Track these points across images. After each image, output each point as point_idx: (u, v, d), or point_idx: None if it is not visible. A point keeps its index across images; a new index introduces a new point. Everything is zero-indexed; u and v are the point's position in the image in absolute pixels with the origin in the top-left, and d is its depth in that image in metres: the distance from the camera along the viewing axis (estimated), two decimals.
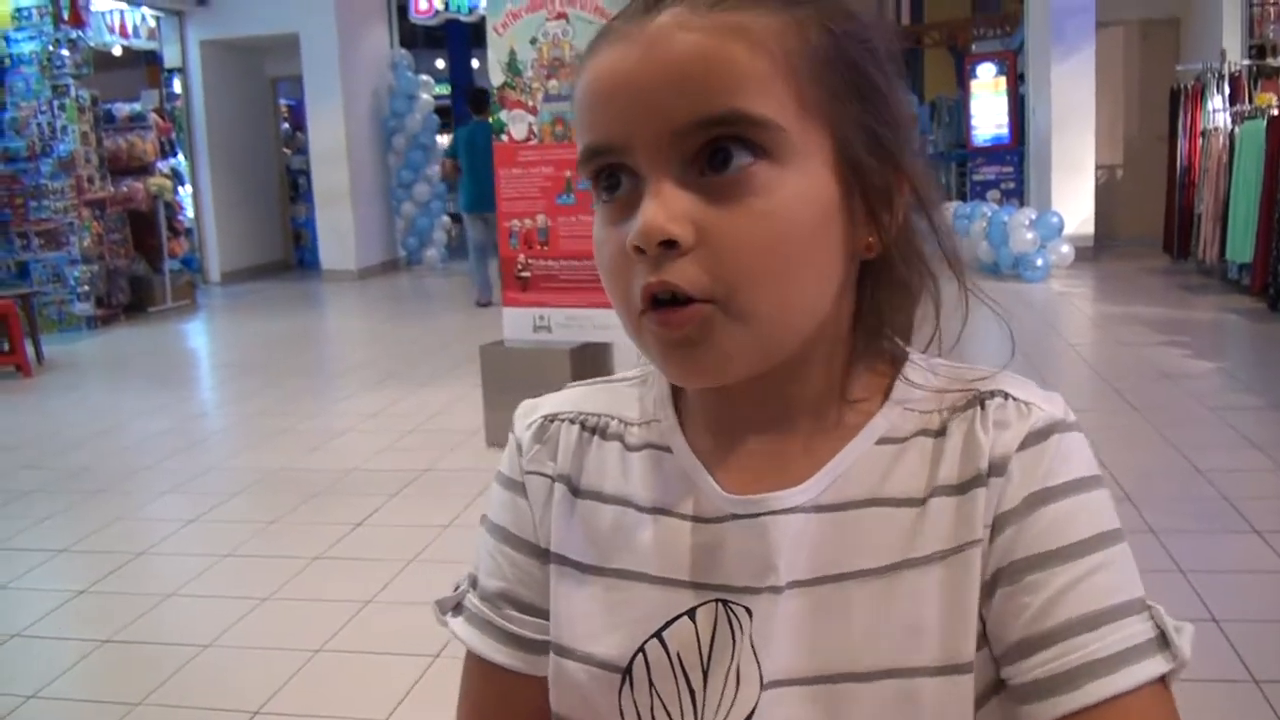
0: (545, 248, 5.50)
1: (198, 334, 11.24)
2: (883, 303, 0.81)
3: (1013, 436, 0.76)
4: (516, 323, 5.66)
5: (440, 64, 24.42)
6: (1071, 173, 12.18)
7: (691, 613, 0.80)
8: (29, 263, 10.99)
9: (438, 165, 14.75)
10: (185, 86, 14.11)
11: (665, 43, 0.70)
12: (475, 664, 0.92)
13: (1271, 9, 11.19)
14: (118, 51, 12.99)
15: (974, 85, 13.94)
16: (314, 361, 9.20)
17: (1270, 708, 2.88)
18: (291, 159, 15.79)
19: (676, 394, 0.87)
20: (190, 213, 13.83)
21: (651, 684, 0.81)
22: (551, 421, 0.91)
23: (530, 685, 0.89)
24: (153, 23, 13.65)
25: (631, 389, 0.91)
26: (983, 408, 0.78)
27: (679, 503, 0.83)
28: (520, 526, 0.90)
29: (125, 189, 11.59)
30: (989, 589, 0.75)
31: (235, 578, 4.21)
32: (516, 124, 5.41)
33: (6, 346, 8.89)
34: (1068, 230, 11.18)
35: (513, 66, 5.34)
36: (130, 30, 13.19)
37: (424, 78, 14.91)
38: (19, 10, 10.95)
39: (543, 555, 0.89)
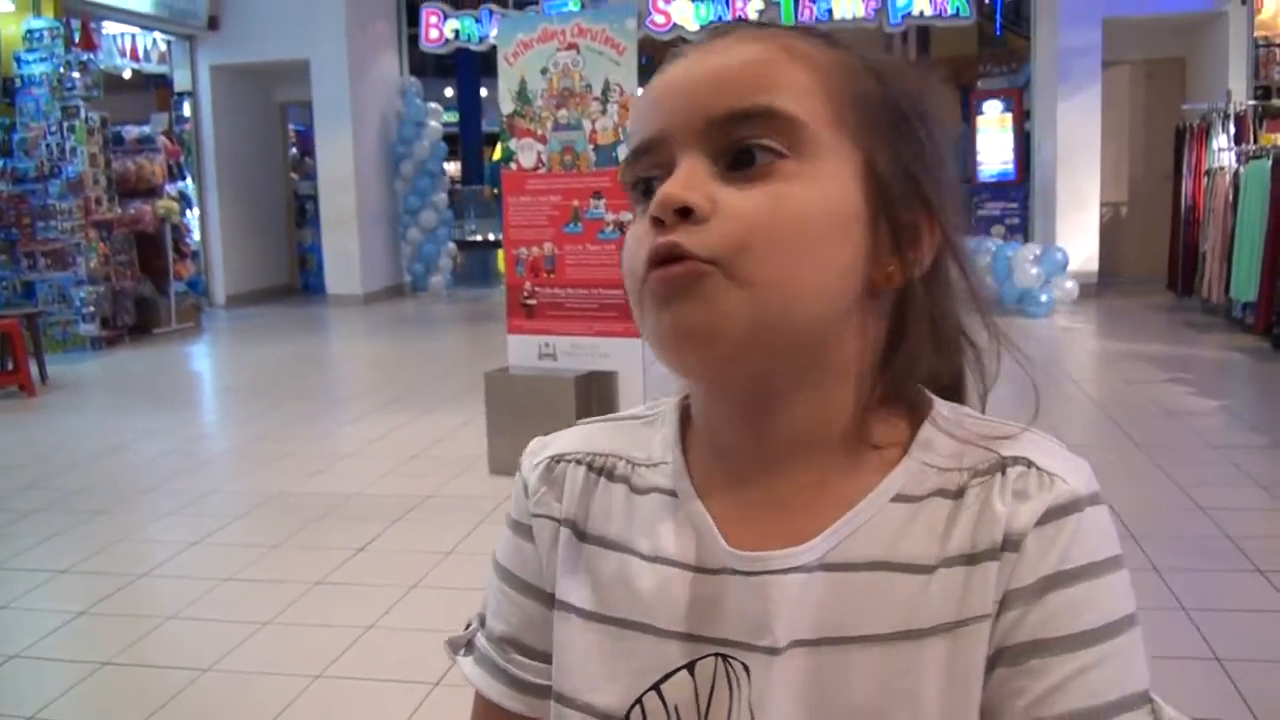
0: (552, 275, 5.52)
1: (202, 356, 11.25)
2: (912, 343, 0.81)
3: (1031, 511, 0.74)
4: (522, 350, 5.67)
5: (449, 92, 24.57)
6: (1076, 209, 12.22)
7: (691, 666, 0.79)
8: (35, 282, 11.01)
9: (444, 192, 14.82)
10: (195, 110, 14.17)
11: (719, 52, 0.76)
12: (483, 704, 0.93)
13: (1277, 51, 11.26)
14: (127, 75, 13.06)
15: (980, 121, 13.99)
16: (318, 386, 9.20)
17: None
18: (299, 184, 15.85)
19: (684, 434, 0.87)
20: (197, 235, 13.87)
21: None
22: (559, 462, 0.90)
23: None
24: (164, 47, 13.73)
25: (641, 428, 0.90)
26: (1004, 474, 0.76)
27: (682, 551, 0.82)
28: (525, 571, 0.90)
29: (133, 211, 11.63)
30: (989, 664, 0.73)
31: (236, 601, 4.20)
32: (525, 152, 5.44)
33: (11, 366, 8.90)
34: (1072, 266, 11.21)
35: (523, 95, 5.37)
36: (141, 54, 13.27)
37: (433, 105, 14.98)
38: (30, 32, 11.02)
39: (547, 600, 0.88)
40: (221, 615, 4.07)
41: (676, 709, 0.79)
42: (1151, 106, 12.98)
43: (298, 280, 15.89)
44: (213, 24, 13.73)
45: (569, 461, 0.90)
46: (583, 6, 10.96)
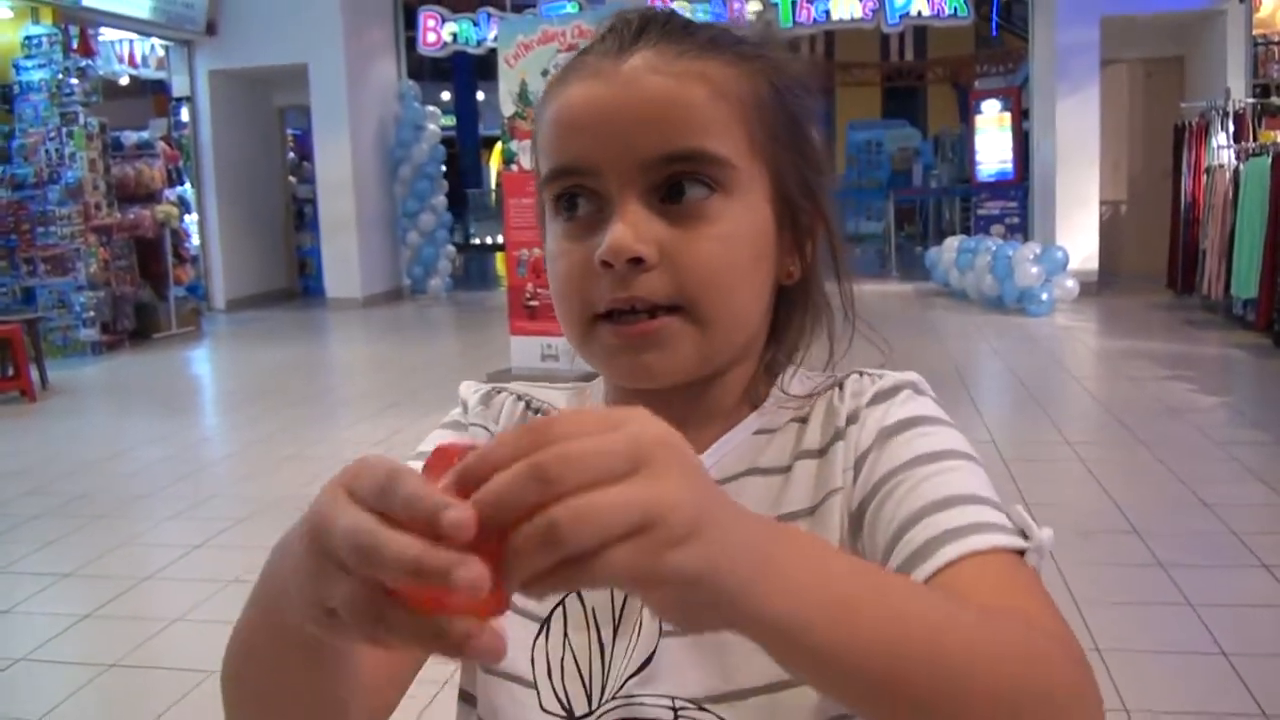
0: None
1: (202, 361, 11.25)
2: (793, 324, 0.92)
3: (865, 396, 0.87)
4: (524, 351, 5.68)
5: (446, 95, 24.56)
6: (1076, 208, 12.23)
7: None
8: (35, 288, 11.02)
9: (443, 195, 14.81)
10: (193, 115, 14.17)
11: (638, 84, 0.80)
12: None
13: (1276, 49, 11.28)
14: (125, 81, 13.07)
15: (978, 121, 14.03)
16: (318, 389, 9.20)
17: None
18: (298, 188, 15.85)
19: (608, 396, 0.95)
20: (196, 240, 13.87)
21: (566, 635, 0.88)
22: (497, 393, 1.00)
23: None
24: (161, 52, 13.74)
25: (566, 395, 1.00)
26: (841, 387, 0.90)
27: None
28: None
29: (132, 216, 11.63)
30: (857, 520, 0.83)
31: (240, 604, 4.18)
32: (527, 154, 5.44)
33: (11, 372, 8.90)
34: (1072, 265, 11.20)
35: (524, 97, 5.38)
36: (139, 60, 13.28)
37: (431, 109, 14.98)
38: (29, 39, 11.03)
39: None
40: (226, 617, 4.01)
41: (594, 609, 0.87)
42: (1150, 105, 12.99)
43: (297, 284, 15.89)
44: (210, 29, 13.72)
45: (507, 394, 1.00)
46: (580, 8, 10.96)
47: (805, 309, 0.92)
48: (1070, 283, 11.06)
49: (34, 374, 9.01)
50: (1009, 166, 13.82)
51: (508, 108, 5.47)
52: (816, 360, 0.95)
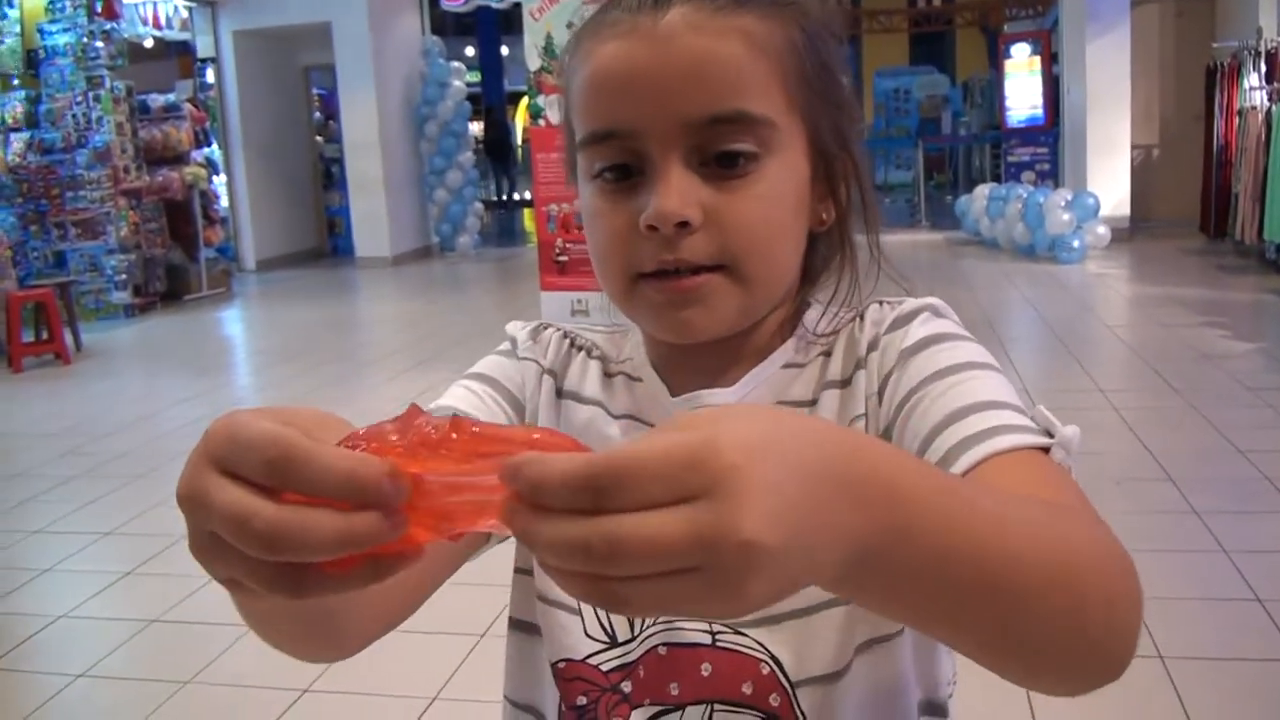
0: (583, 231, 5.52)
1: (234, 321, 11.32)
2: (819, 266, 0.94)
3: (885, 324, 0.89)
4: (555, 306, 5.69)
5: (470, 51, 24.48)
6: (1107, 153, 12.10)
7: None
8: (66, 252, 11.10)
9: (470, 152, 14.79)
10: (218, 76, 14.18)
11: (677, 43, 0.79)
12: None
13: None
14: (149, 43, 13.06)
15: (1008, 65, 13.86)
16: (350, 348, 9.24)
17: None
18: (324, 147, 15.85)
19: (648, 345, 0.97)
20: (225, 201, 13.91)
21: None
22: (544, 329, 1.02)
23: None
24: (185, 13, 13.71)
25: (609, 335, 1.01)
26: (861, 317, 0.91)
27: (643, 413, 0.94)
28: (512, 383, 0.98)
29: (161, 178, 11.67)
30: (886, 440, 0.83)
31: None
32: (554, 108, 5.42)
33: (45, 335, 9.00)
34: (1104, 211, 11.11)
35: (549, 51, 5.35)
36: (163, 21, 13.26)
37: (455, 65, 14.92)
38: (53, 2, 11.04)
39: (521, 410, 0.97)
40: None
41: None
42: (1182, 46, 12.79)
43: (326, 243, 15.92)
44: None
45: (553, 330, 1.02)
46: None
47: (836, 252, 0.93)
48: (1102, 229, 10.97)
49: (68, 337, 9.11)
50: (1039, 112, 13.66)
51: (533, 62, 5.45)
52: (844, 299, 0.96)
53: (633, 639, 0.89)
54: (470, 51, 24.67)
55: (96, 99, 10.99)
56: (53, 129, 11.10)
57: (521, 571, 0.96)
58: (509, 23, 23.41)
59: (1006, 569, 0.57)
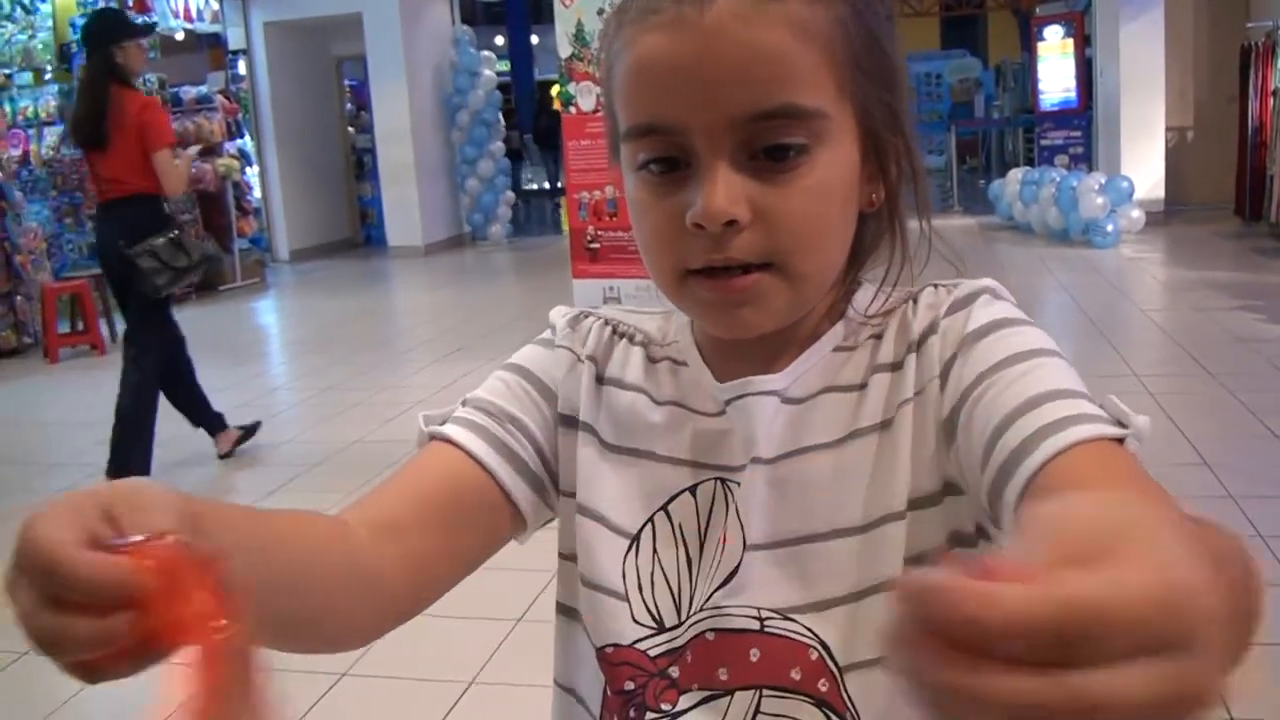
0: (614, 219, 5.53)
1: (268, 311, 11.40)
2: (869, 245, 0.92)
3: (943, 308, 0.87)
4: (587, 294, 5.70)
5: (499, 40, 24.49)
6: (1141, 136, 12.00)
7: (693, 489, 0.91)
8: None
9: (501, 140, 14.80)
10: (250, 68, 14.25)
11: (724, 37, 0.76)
12: (445, 450, 0.93)
13: None
14: (180, 36, 13.14)
15: (1041, 48, 13.75)
16: (384, 336, 9.30)
17: None
18: (356, 138, 15.92)
19: (694, 324, 0.97)
20: (258, 192, 13.98)
21: (655, 551, 0.91)
22: (585, 317, 1.02)
23: (495, 499, 0.92)
24: (216, 5, 13.78)
25: (653, 319, 1.01)
26: (915, 300, 0.90)
27: (688, 399, 0.94)
28: (545, 373, 0.98)
29: (194, 170, 11.72)
30: (949, 428, 0.82)
31: None
32: (584, 96, 5.43)
33: (81, 326, 9.10)
34: (1138, 195, 11.01)
35: (580, 38, 5.36)
36: (194, 14, 13.33)
37: (486, 54, 14.94)
38: None
39: (559, 416, 0.97)
40: None
41: (681, 526, 0.91)
42: (1216, 26, 12.65)
43: (359, 234, 15.99)
44: None
45: (594, 319, 1.02)
46: None
47: (885, 233, 0.92)
48: (1136, 213, 10.88)
49: (104, 328, 9.20)
50: (1072, 95, 13.54)
51: (564, 49, 5.46)
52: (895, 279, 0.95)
53: (680, 625, 0.89)
54: (500, 40, 24.70)
55: None
56: None
57: (565, 557, 0.97)
58: (538, 11, 23.44)
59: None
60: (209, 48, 14.47)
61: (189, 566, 0.52)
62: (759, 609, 0.87)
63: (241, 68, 14.27)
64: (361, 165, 15.83)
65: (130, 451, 5.14)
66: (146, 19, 11.23)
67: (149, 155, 4.91)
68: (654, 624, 0.90)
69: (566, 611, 0.98)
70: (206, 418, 5.57)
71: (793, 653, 0.86)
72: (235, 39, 14.23)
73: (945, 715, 0.39)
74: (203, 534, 0.57)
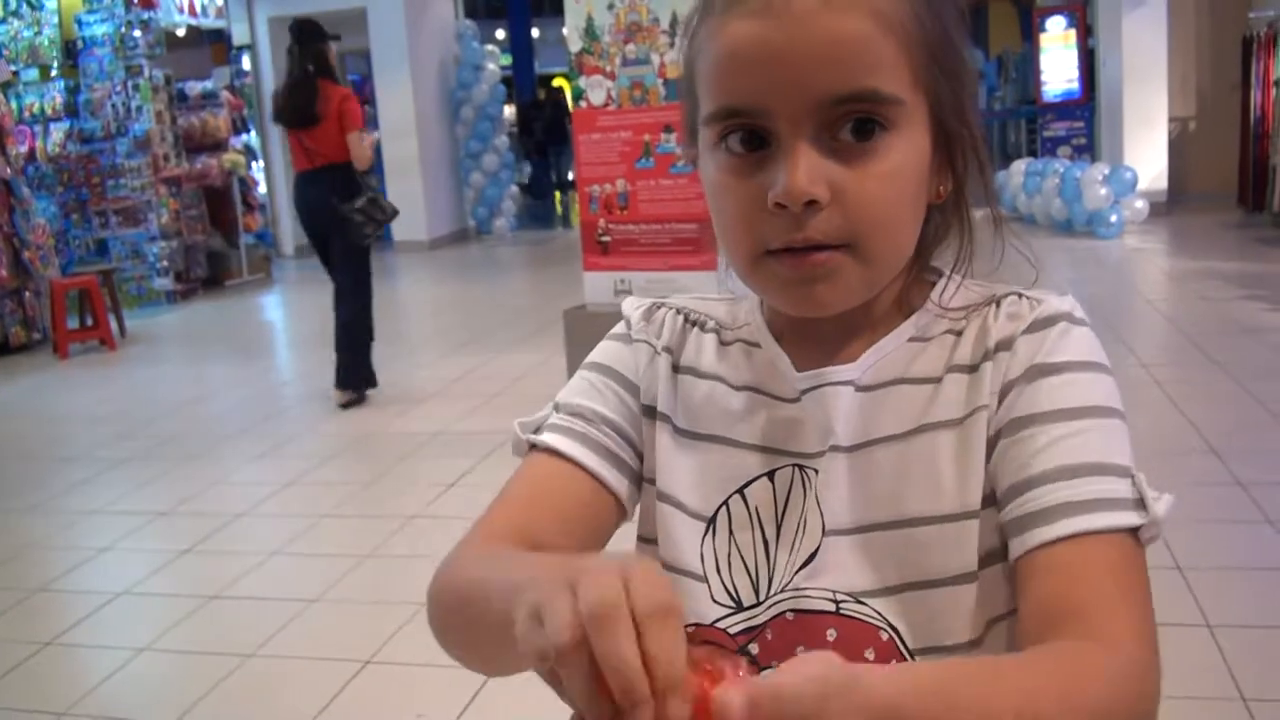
0: (625, 212, 5.54)
1: (275, 306, 11.43)
2: (939, 233, 0.96)
3: (1021, 323, 0.90)
4: (598, 287, 5.72)
5: (500, 34, 24.47)
6: (1144, 126, 12.00)
7: (770, 474, 0.95)
8: (108, 240, 11.24)
9: (505, 135, 14.80)
10: (255, 63, 14.28)
11: (809, 23, 0.80)
12: (549, 461, 0.99)
13: None
14: (181, 32, 13.15)
15: (1043, 39, 13.72)
16: (392, 330, 9.28)
17: None
18: None
19: (764, 308, 1.01)
20: (264, 188, 14.00)
21: (731, 533, 0.95)
22: (658, 308, 1.06)
23: (601, 495, 0.98)
24: (220, 1, 13.79)
25: (723, 304, 1.05)
26: (998, 305, 0.93)
27: (763, 384, 0.97)
28: (627, 368, 1.03)
29: (200, 166, 11.78)
30: (992, 444, 0.87)
31: (336, 536, 4.33)
32: (594, 90, 5.45)
33: (90, 321, 9.14)
34: (1141, 185, 11.00)
35: (590, 32, 5.37)
36: (198, 9, 13.35)
37: (489, 48, 14.94)
38: None
39: (642, 407, 1.02)
40: (323, 550, 4.20)
41: (757, 510, 0.94)
42: (1218, 16, 12.65)
43: None
44: None
45: (667, 309, 1.05)
46: None
47: (954, 222, 0.96)
48: (1139, 203, 10.89)
49: (112, 323, 9.25)
50: (1075, 86, 13.53)
51: (574, 43, 5.48)
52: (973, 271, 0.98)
53: (758, 604, 0.93)
54: (500, 34, 24.67)
55: (135, 88, 11.10)
56: (92, 118, 11.23)
57: (645, 540, 1.01)
58: (538, 5, 23.41)
59: None
60: (213, 43, 14.47)
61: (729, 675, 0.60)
62: (835, 591, 0.90)
63: (246, 63, 14.28)
64: None
65: (364, 362, 6.46)
66: (151, 14, 11.27)
67: (345, 134, 6.15)
68: (732, 603, 0.93)
69: None
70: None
71: (866, 634, 0.89)
72: (240, 34, 14.25)
73: None
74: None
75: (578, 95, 5.50)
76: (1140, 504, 0.82)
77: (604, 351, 1.05)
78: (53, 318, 8.91)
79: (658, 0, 5.24)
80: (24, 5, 11.34)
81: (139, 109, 11.10)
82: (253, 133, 13.87)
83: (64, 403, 7.31)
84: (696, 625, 0.94)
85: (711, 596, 0.94)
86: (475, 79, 14.50)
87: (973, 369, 0.90)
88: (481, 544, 0.93)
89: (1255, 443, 4.54)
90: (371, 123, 15.18)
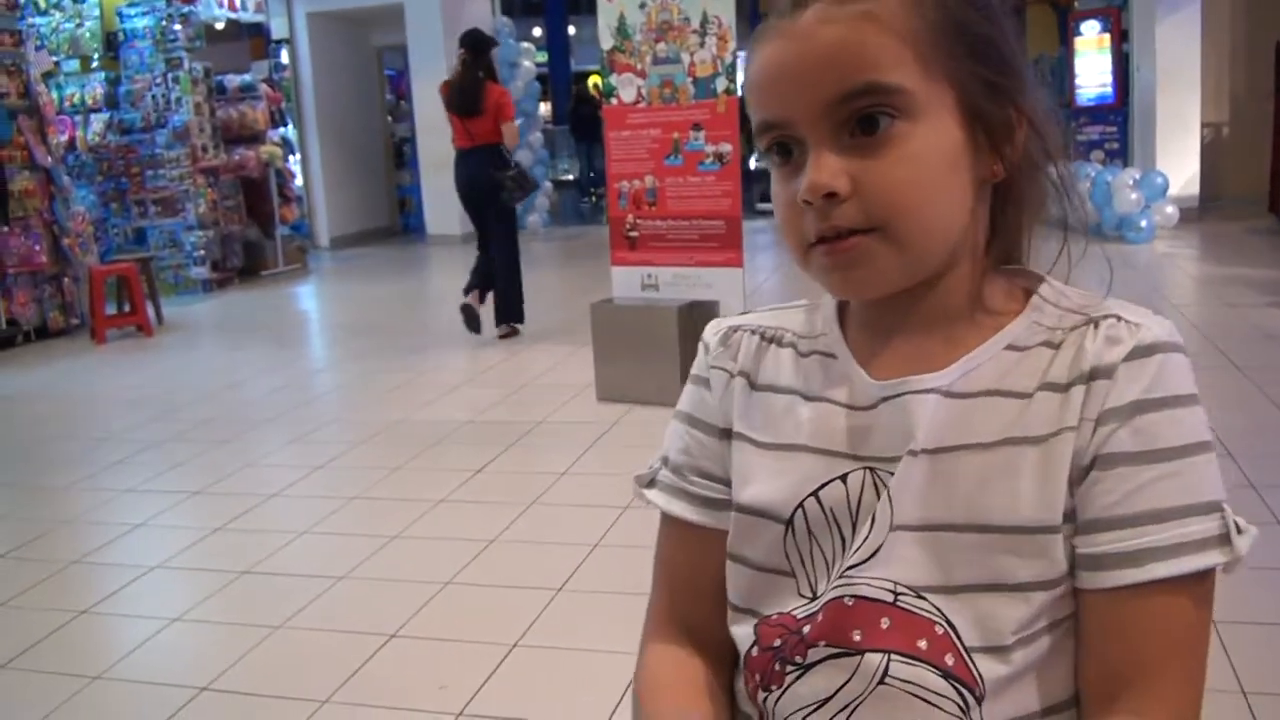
0: (653, 208, 5.63)
1: (309, 296, 11.55)
2: (1011, 221, 1.02)
3: (1120, 350, 0.92)
4: (625, 281, 5.81)
5: (537, 31, 24.57)
6: (1177, 132, 11.96)
7: (844, 477, 0.99)
8: (146, 229, 11.41)
9: (539, 132, 14.86)
10: (293, 58, 14.43)
11: (811, 36, 0.89)
12: (668, 526, 1.15)
13: None
14: (220, 26, 13.31)
15: (1078, 43, 13.69)
16: (423, 321, 9.42)
17: None
18: (395, 127, 16.06)
19: (841, 315, 1.07)
20: (300, 180, 14.15)
21: (810, 532, 1.01)
22: (735, 331, 1.14)
23: (711, 540, 1.10)
24: None
25: (801, 313, 1.12)
26: (1096, 326, 0.94)
27: (839, 394, 1.03)
28: (703, 411, 1.13)
29: (238, 157, 11.93)
30: (1084, 471, 0.91)
31: (366, 517, 4.43)
32: (625, 87, 5.54)
33: (129, 308, 9.29)
34: (1172, 190, 10.99)
35: (622, 30, 5.46)
36: (238, 4, 13.50)
37: (525, 45, 15.02)
38: None
39: (722, 434, 1.10)
40: (352, 530, 4.30)
41: (832, 510, 0.99)
42: (1253, 22, 12.60)
43: (398, 222, 16.14)
44: None
45: (744, 331, 1.13)
46: None
47: (1014, 205, 1.01)
48: (1170, 209, 10.87)
49: (150, 310, 9.40)
50: (1109, 90, 13.50)
51: (606, 41, 5.56)
52: (1046, 264, 1.05)
53: (825, 590, 0.99)
54: (537, 32, 24.77)
55: (175, 80, 11.26)
56: (132, 109, 11.40)
57: (734, 558, 1.08)
58: (576, 2, 23.52)
59: None
60: (252, 37, 14.63)
61: None
62: (895, 583, 0.95)
63: (284, 57, 14.44)
64: (400, 154, 15.97)
65: (517, 299, 7.95)
66: (192, 8, 11.43)
67: (500, 122, 7.74)
68: (811, 595, 1.01)
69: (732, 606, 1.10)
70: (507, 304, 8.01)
71: (921, 627, 0.93)
72: (279, 29, 14.40)
73: None
74: None
75: (609, 92, 5.59)
76: (1225, 538, 0.88)
77: (686, 398, 1.15)
78: (91, 304, 9.06)
79: (689, 0, 5.33)
80: None
81: (178, 101, 11.26)
82: (290, 126, 14.01)
83: (101, 386, 7.44)
84: (779, 613, 1.02)
85: (798, 590, 1.02)
86: (511, 76, 14.57)
87: (1065, 388, 0.93)
88: (656, 644, 1.13)
89: (1270, 446, 4.57)
90: (408, 118, 15.37)
